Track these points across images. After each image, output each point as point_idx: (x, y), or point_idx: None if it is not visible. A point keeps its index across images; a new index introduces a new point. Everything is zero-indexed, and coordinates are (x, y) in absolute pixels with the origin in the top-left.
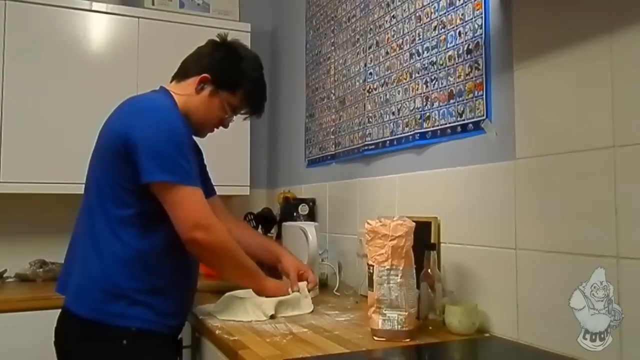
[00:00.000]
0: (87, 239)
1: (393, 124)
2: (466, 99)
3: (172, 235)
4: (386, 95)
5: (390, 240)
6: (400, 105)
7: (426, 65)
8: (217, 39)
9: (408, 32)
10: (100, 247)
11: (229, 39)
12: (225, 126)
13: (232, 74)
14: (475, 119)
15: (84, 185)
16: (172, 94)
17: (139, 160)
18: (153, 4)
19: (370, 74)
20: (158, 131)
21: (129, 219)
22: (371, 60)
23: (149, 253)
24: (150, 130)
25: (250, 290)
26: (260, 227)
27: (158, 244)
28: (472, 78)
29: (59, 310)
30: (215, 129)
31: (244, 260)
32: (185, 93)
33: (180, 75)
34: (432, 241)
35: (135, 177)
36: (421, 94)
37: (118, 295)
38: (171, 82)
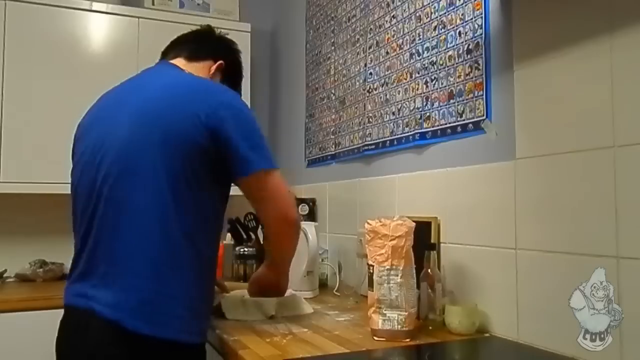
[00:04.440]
0: (161, 248)
1: (393, 124)
2: (466, 99)
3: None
4: (386, 95)
5: (390, 240)
6: (400, 105)
7: (426, 65)
8: (217, 31)
9: (408, 32)
10: (176, 257)
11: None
12: None
13: (237, 68)
14: (475, 119)
15: (114, 174)
16: (186, 73)
17: (238, 153)
18: (153, 4)
19: (370, 74)
20: (249, 120)
21: (201, 223)
22: (371, 60)
23: (213, 260)
24: (242, 122)
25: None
26: (260, 227)
27: (216, 250)
28: (472, 78)
29: (60, 311)
30: None
31: None
32: (198, 75)
33: (192, 53)
34: (432, 241)
35: (222, 174)
36: (421, 94)
37: (197, 310)
38: (173, 57)
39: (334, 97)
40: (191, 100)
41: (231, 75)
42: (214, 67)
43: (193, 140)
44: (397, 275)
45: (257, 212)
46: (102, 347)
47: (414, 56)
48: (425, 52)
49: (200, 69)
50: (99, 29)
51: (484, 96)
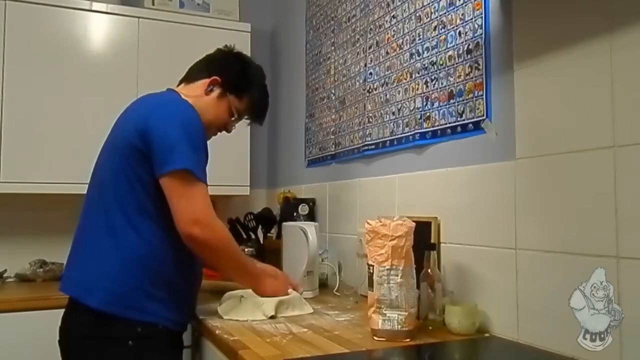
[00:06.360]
0: (101, 232)
1: (393, 124)
2: (466, 99)
3: None
4: (386, 95)
5: (390, 240)
6: (400, 105)
7: (426, 65)
8: (224, 48)
9: (408, 32)
10: (118, 241)
11: (235, 49)
12: (229, 131)
13: (240, 79)
14: (475, 119)
15: (91, 180)
16: (182, 95)
17: (155, 153)
18: (153, 4)
19: (370, 74)
20: (174, 123)
21: (147, 213)
22: (371, 60)
23: (166, 247)
24: (167, 122)
25: (250, 290)
26: (260, 227)
27: (173, 239)
28: (472, 78)
29: (59, 311)
30: (218, 132)
31: (242, 259)
32: (194, 94)
33: (189, 78)
34: (432, 241)
35: (153, 172)
36: (421, 94)
37: (134, 287)
38: (178, 85)
39: (334, 97)
40: (139, 112)
41: (234, 86)
42: (208, 82)
43: (130, 144)
44: (397, 275)
45: None
46: (64, 316)
47: (414, 56)
48: (425, 52)
49: (195, 89)
50: (99, 29)
51: (484, 96)
